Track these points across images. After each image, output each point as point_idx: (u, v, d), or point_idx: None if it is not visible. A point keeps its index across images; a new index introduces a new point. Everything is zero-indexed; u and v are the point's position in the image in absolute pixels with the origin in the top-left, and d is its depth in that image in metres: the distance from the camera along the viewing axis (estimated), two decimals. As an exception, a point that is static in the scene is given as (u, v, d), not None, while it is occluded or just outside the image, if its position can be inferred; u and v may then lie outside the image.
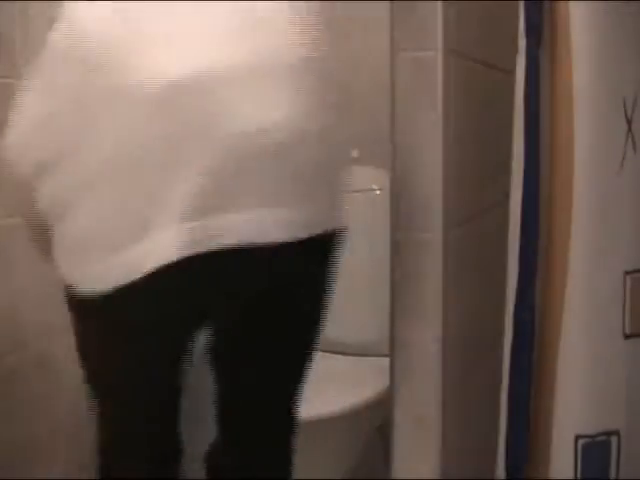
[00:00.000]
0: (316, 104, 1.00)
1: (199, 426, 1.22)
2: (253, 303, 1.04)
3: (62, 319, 1.61)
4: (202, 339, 1.10)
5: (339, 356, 2.16)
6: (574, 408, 1.13)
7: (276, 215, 0.93)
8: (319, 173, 0.98)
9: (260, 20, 0.95)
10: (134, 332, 0.98)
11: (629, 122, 1.11)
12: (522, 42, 1.08)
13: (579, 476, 1.13)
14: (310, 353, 1.20)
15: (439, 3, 1.09)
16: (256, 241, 0.91)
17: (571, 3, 1.07)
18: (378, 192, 2.10)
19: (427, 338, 1.13)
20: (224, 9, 0.93)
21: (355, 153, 2.17)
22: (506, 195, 1.14)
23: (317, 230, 0.98)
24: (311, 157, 0.95)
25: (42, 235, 1.05)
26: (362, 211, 2.14)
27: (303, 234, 0.95)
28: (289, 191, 0.94)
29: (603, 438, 1.14)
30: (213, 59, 0.90)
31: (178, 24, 0.92)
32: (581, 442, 1.13)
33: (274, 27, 0.97)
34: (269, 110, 0.92)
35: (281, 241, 0.93)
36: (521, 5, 1.08)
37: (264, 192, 0.92)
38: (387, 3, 1.14)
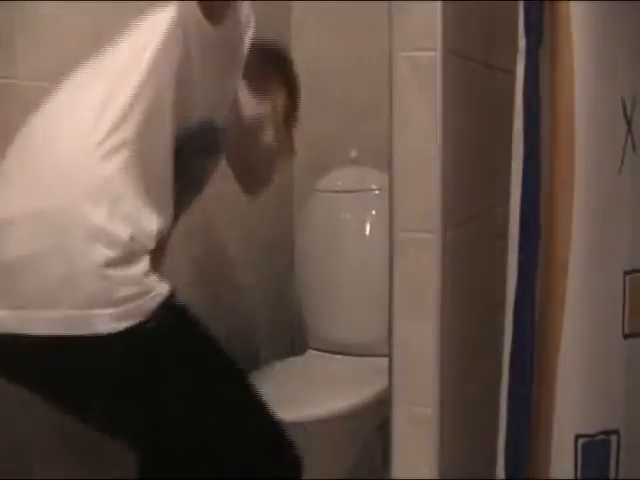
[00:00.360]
0: None
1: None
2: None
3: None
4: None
5: (339, 356, 2.17)
6: (574, 407, 1.13)
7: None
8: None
9: None
10: None
11: (629, 122, 1.11)
12: (522, 42, 1.08)
13: (579, 475, 1.13)
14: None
15: (438, 3, 1.09)
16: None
17: (571, 3, 1.07)
18: (377, 192, 2.10)
19: (426, 338, 1.13)
20: None
21: (354, 153, 2.18)
22: (506, 195, 1.15)
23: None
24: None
25: None
26: (362, 211, 2.15)
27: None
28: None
29: (603, 437, 1.14)
30: None
31: None
32: (581, 441, 1.13)
33: None
34: None
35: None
36: (521, 5, 1.08)
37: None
38: (386, 3, 1.14)
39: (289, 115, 1.62)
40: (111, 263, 1.12)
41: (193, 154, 1.33)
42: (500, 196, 1.20)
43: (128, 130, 1.20)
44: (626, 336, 1.15)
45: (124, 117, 1.21)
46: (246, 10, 1.32)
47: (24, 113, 1.49)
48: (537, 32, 1.09)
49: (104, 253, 1.12)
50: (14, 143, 1.29)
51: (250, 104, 1.48)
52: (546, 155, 1.13)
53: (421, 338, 1.13)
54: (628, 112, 1.11)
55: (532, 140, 1.11)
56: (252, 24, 1.35)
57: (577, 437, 1.12)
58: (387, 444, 1.17)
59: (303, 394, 1.97)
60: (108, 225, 1.14)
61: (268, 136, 1.55)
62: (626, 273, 1.14)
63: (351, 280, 2.14)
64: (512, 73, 1.12)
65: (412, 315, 1.14)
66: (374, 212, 2.12)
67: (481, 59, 1.30)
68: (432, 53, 1.10)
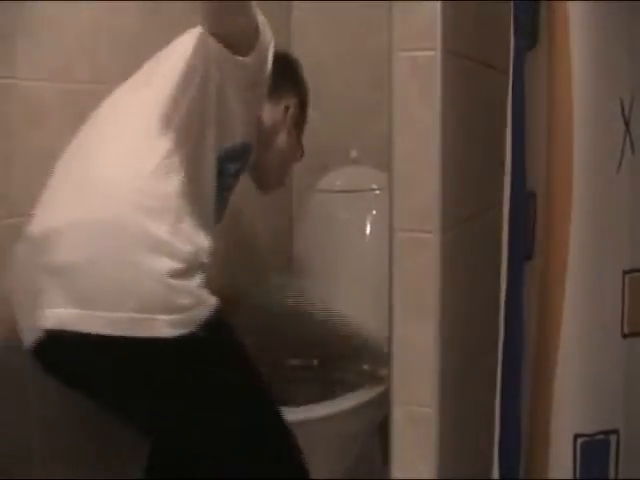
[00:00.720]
0: None
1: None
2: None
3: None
4: None
5: (339, 356, 2.17)
6: (573, 407, 1.13)
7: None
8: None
9: None
10: None
11: (627, 123, 1.11)
12: (512, 42, 1.09)
13: (578, 475, 1.13)
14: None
15: (438, 3, 1.09)
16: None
17: (569, 3, 1.07)
18: (377, 192, 2.10)
19: (426, 338, 1.13)
20: None
21: (354, 153, 2.18)
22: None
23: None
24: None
25: None
26: (361, 211, 2.15)
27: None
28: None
29: (602, 437, 1.14)
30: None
31: None
32: (580, 441, 1.13)
33: None
34: None
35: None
36: (512, 5, 1.08)
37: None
38: (386, 3, 1.14)
39: (299, 119, 1.71)
40: (174, 274, 1.22)
41: (228, 173, 1.43)
42: (499, 196, 1.20)
43: (182, 153, 1.31)
44: (625, 335, 1.15)
45: (177, 140, 1.31)
46: (268, 33, 1.41)
47: (24, 113, 1.49)
48: (525, 32, 1.09)
49: (168, 264, 1.22)
50: (64, 156, 1.38)
51: (266, 110, 1.55)
52: (545, 155, 1.13)
53: (421, 338, 1.14)
54: (626, 112, 1.11)
55: (517, 140, 1.10)
56: (272, 43, 1.43)
57: (576, 437, 1.12)
58: (386, 444, 1.17)
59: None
60: (172, 239, 1.25)
61: (282, 140, 1.63)
62: (625, 272, 1.14)
63: (350, 280, 2.14)
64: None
65: (412, 315, 1.14)
66: (374, 212, 2.12)
67: (481, 59, 1.30)
68: (432, 53, 1.10)
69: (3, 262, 1.46)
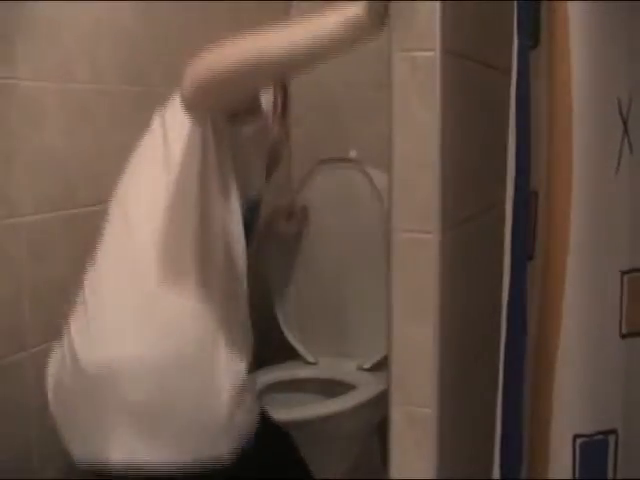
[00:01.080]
0: None
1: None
2: None
3: (62, 319, 1.61)
4: None
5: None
6: (572, 407, 1.13)
7: None
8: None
9: None
10: None
11: (624, 122, 1.11)
12: (514, 42, 1.09)
13: (577, 475, 1.13)
14: None
15: (438, 3, 1.09)
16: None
17: (569, 3, 1.07)
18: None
19: (425, 338, 1.13)
20: None
21: (353, 153, 2.18)
22: (504, 195, 1.15)
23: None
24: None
25: None
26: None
27: None
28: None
29: (601, 437, 1.14)
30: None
31: None
32: (579, 441, 1.13)
33: None
34: None
35: None
36: (514, 5, 1.08)
37: None
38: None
39: (284, 107, 1.69)
40: (234, 394, 1.28)
41: (252, 219, 1.48)
42: (499, 196, 1.20)
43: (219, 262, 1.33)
44: (624, 336, 1.15)
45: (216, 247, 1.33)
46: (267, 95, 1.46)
47: (24, 113, 1.50)
48: (528, 32, 1.09)
49: (228, 387, 1.27)
50: (104, 262, 1.36)
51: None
52: (544, 155, 1.13)
53: (420, 338, 1.13)
54: (624, 112, 1.11)
55: (522, 140, 1.10)
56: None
57: (575, 437, 1.13)
58: (386, 444, 1.17)
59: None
60: (229, 365, 1.29)
61: (275, 129, 1.63)
62: (624, 273, 1.14)
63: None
64: (510, 73, 1.12)
65: (411, 315, 1.14)
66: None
67: (480, 59, 1.30)
68: (431, 53, 1.10)
69: (3, 262, 1.46)
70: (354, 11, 1.08)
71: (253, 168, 1.45)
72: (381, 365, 2.02)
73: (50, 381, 1.34)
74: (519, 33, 1.08)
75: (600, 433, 1.14)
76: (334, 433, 1.89)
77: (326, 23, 1.10)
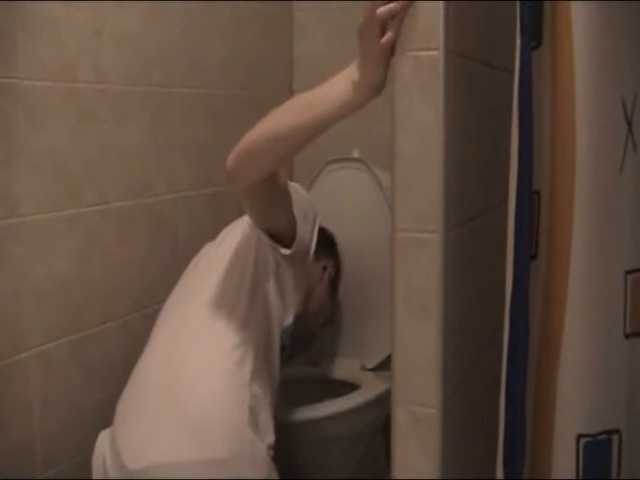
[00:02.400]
0: None
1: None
2: None
3: (62, 319, 1.61)
4: None
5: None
6: (575, 407, 1.13)
7: None
8: None
9: None
10: None
11: (629, 122, 1.11)
12: (517, 42, 1.08)
13: (581, 475, 1.13)
14: None
15: (441, 3, 1.09)
16: None
17: (572, 3, 1.07)
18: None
19: (428, 338, 1.13)
20: None
21: (356, 153, 2.18)
22: (507, 194, 1.14)
23: None
24: None
25: None
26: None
27: None
28: None
29: (604, 437, 1.14)
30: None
31: None
32: (583, 441, 1.13)
33: None
34: None
35: None
36: (518, 5, 1.08)
37: None
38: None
39: (334, 280, 1.98)
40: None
41: (286, 346, 1.60)
42: (502, 195, 1.20)
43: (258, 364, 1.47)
44: (627, 335, 1.15)
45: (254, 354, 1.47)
46: (311, 212, 1.58)
47: (26, 113, 1.49)
48: (531, 32, 1.09)
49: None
50: (150, 369, 1.50)
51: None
52: (547, 155, 1.13)
53: (423, 338, 1.13)
54: (628, 112, 1.11)
55: (525, 139, 1.10)
56: (317, 220, 1.61)
57: (579, 437, 1.12)
58: (389, 444, 1.17)
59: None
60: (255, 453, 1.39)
61: (317, 295, 1.86)
62: (627, 272, 1.14)
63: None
64: (513, 73, 1.12)
65: (414, 315, 1.14)
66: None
67: (483, 59, 1.30)
68: (434, 53, 1.10)
69: (5, 262, 1.46)
70: (357, 95, 1.15)
71: (292, 292, 1.56)
72: (385, 365, 2.02)
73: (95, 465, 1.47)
74: (522, 33, 1.08)
75: (604, 433, 1.14)
76: (338, 433, 1.89)
77: (332, 108, 1.18)
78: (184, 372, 1.44)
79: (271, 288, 1.50)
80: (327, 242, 1.90)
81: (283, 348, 1.57)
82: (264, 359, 1.48)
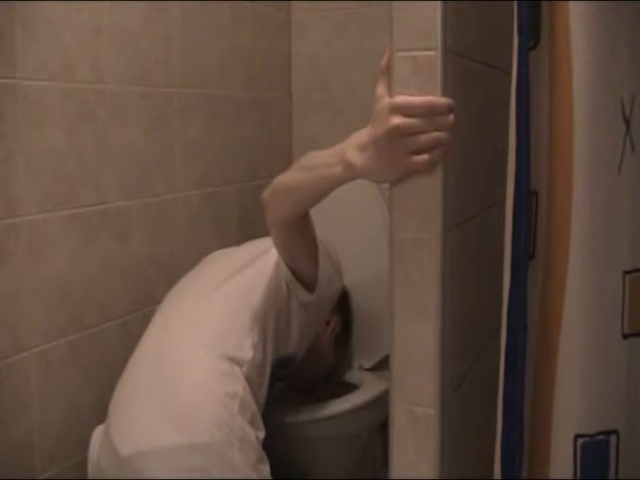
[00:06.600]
0: None
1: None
2: None
3: (61, 319, 1.61)
4: None
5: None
6: (573, 407, 1.13)
7: None
8: None
9: None
10: None
11: (627, 122, 1.11)
12: (515, 42, 1.08)
13: (578, 475, 1.13)
14: None
15: (439, 3, 1.09)
16: None
17: (570, 3, 1.07)
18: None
19: (427, 338, 1.13)
20: None
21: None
22: (505, 194, 1.15)
23: None
24: None
25: None
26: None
27: None
28: None
29: (602, 437, 1.14)
30: None
31: None
32: (580, 441, 1.13)
33: None
34: None
35: None
36: (515, 5, 1.08)
37: None
38: (386, 3, 1.14)
39: (340, 336, 2.01)
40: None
41: (277, 377, 1.63)
42: (500, 195, 1.20)
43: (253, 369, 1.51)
44: (626, 336, 1.15)
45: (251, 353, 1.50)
46: (337, 280, 1.64)
47: (25, 113, 1.50)
48: (528, 32, 1.09)
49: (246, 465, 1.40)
50: (143, 356, 1.55)
51: None
52: (545, 155, 1.13)
53: (422, 338, 1.13)
54: (627, 112, 1.11)
55: (523, 140, 1.10)
56: (339, 288, 1.68)
57: (576, 437, 1.12)
58: (387, 444, 1.17)
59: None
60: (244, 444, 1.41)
61: (318, 348, 1.88)
62: (626, 273, 1.14)
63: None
64: (511, 73, 1.12)
65: (413, 315, 1.14)
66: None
67: (481, 59, 1.30)
68: (432, 53, 1.10)
69: (4, 262, 1.46)
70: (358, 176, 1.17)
71: (297, 331, 1.61)
72: (382, 365, 2.02)
73: (91, 458, 1.49)
74: (520, 33, 1.08)
75: (601, 433, 1.13)
76: (336, 433, 1.89)
77: (330, 183, 1.25)
78: (175, 361, 1.47)
79: (277, 314, 1.56)
80: (339, 299, 1.88)
81: (273, 378, 1.59)
82: (256, 365, 1.52)
